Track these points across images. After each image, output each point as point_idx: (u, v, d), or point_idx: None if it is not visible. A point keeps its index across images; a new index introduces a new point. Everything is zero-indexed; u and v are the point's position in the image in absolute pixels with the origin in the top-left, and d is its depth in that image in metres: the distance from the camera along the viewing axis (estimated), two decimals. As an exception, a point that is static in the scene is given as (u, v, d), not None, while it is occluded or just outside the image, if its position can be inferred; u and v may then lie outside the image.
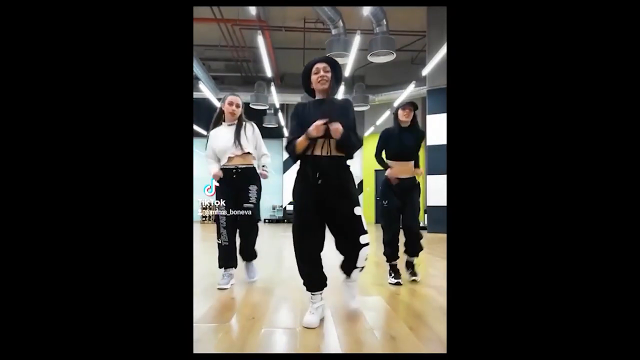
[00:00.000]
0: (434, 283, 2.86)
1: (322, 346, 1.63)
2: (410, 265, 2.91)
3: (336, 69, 1.99)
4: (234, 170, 2.75)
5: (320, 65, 1.95)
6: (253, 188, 2.77)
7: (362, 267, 1.96)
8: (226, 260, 2.73)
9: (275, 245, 5.72)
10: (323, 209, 1.89)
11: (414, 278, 2.82)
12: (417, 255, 2.91)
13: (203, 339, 1.66)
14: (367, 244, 1.90)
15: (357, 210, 1.91)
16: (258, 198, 2.80)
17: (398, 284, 2.76)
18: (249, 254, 2.83)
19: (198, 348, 1.55)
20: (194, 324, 1.83)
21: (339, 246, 1.96)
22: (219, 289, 2.61)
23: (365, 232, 1.91)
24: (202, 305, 2.21)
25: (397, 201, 2.84)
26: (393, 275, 2.82)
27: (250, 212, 2.74)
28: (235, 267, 2.78)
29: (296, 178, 1.96)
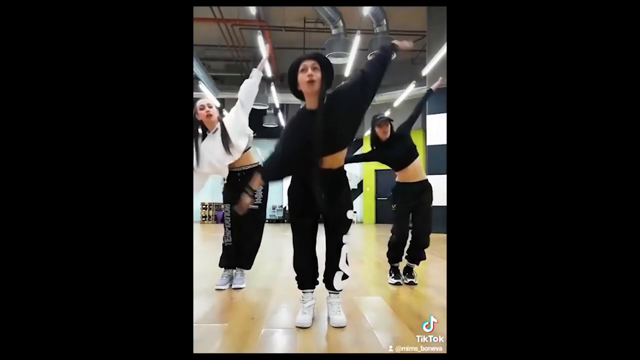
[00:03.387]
0: (434, 283, 2.86)
1: (322, 346, 1.63)
2: (408, 270, 2.88)
3: (326, 67, 1.74)
4: (239, 174, 2.68)
5: (308, 63, 1.69)
6: (259, 188, 2.63)
7: (346, 275, 1.91)
8: (227, 260, 2.70)
9: (275, 245, 5.71)
10: (318, 212, 1.89)
11: (411, 280, 2.81)
12: (418, 264, 2.88)
13: (203, 339, 1.66)
14: (345, 243, 1.90)
15: (350, 214, 1.91)
16: (264, 198, 2.71)
17: (398, 284, 2.77)
18: (248, 259, 2.70)
19: (198, 348, 1.54)
20: (194, 324, 1.83)
21: (327, 244, 1.93)
22: (217, 289, 2.60)
23: (347, 232, 1.91)
24: (202, 305, 2.21)
25: (407, 206, 2.80)
26: (393, 275, 2.82)
27: (256, 210, 2.62)
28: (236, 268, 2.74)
29: (293, 179, 1.92)
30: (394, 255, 2.83)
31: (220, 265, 2.72)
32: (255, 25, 8.18)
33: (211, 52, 10.16)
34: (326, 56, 1.84)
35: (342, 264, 1.89)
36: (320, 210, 1.88)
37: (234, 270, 2.74)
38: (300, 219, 1.91)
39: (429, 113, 8.10)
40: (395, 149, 2.76)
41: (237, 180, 2.65)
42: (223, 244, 2.71)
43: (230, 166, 2.65)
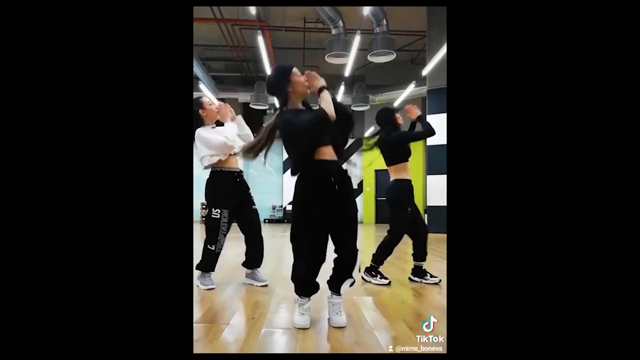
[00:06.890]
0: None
1: (322, 346, 1.63)
2: (421, 271, 2.89)
3: None
4: (236, 174, 2.70)
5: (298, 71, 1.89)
6: (250, 192, 2.78)
7: (354, 282, 1.90)
8: (212, 266, 2.67)
9: (275, 245, 5.72)
10: (330, 215, 1.81)
11: (436, 280, 2.82)
12: (425, 260, 2.90)
13: (203, 339, 1.66)
14: (358, 250, 1.90)
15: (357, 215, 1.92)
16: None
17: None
18: (261, 257, 2.78)
19: (198, 348, 1.55)
20: (194, 324, 1.84)
21: (338, 252, 1.88)
22: (209, 289, 2.58)
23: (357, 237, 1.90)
24: (202, 305, 2.21)
25: (414, 208, 2.87)
26: (379, 276, 2.85)
27: (257, 213, 2.79)
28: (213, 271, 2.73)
29: (300, 183, 1.84)
30: (387, 256, 2.87)
31: (207, 270, 2.66)
32: (255, 25, 8.19)
33: (211, 52, 10.16)
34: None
35: (355, 271, 1.89)
36: (336, 214, 1.82)
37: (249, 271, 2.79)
38: (315, 229, 1.80)
39: (429, 113, 8.10)
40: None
41: (236, 181, 2.70)
42: (212, 250, 2.63)
43: (228, 167, 2.67)
